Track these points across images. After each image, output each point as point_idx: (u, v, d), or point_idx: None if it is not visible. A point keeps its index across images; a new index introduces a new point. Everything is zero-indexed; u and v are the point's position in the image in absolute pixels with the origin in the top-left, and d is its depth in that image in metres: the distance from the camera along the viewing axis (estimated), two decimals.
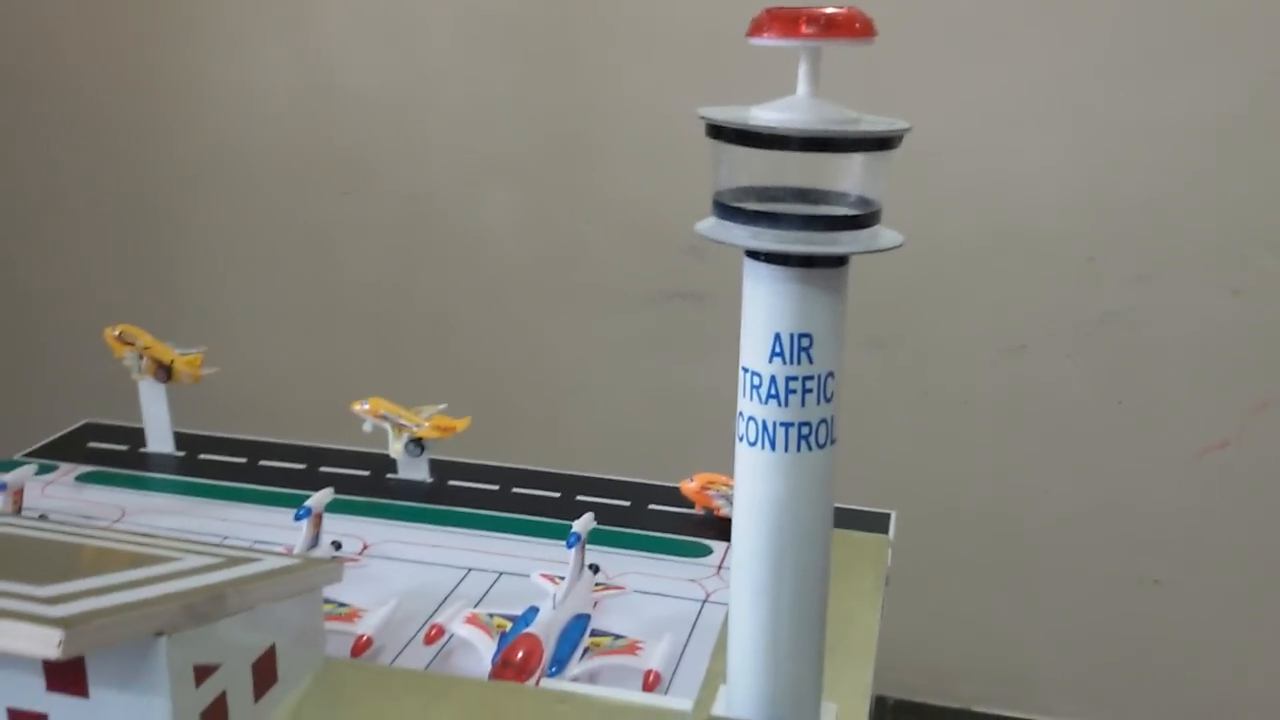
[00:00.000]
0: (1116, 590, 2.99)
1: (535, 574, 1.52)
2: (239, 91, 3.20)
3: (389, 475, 1.98)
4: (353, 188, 3.19)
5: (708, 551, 1.67)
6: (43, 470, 1.86)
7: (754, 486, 1.05)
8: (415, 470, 2.00)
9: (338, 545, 1.60)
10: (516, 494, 1.89)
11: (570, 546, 1.46)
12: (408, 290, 3.24)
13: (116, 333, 2.06)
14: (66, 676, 0.97)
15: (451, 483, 1.90)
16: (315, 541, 1.51)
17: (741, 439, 1.05)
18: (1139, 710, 3.08)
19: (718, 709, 1.14)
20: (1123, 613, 3.00)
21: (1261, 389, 2.77)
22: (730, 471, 1.10)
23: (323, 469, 1.97)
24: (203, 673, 0.99)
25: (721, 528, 1.74)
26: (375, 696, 1.14)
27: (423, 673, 1.27)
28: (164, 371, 2.06)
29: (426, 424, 1.97)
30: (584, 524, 1.51)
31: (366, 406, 1.99)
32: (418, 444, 1.99)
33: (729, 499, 1.80)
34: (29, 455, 2.00)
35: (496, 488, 1.90)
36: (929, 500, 2.98)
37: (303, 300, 3.35)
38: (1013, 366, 2.88)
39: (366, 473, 1.99)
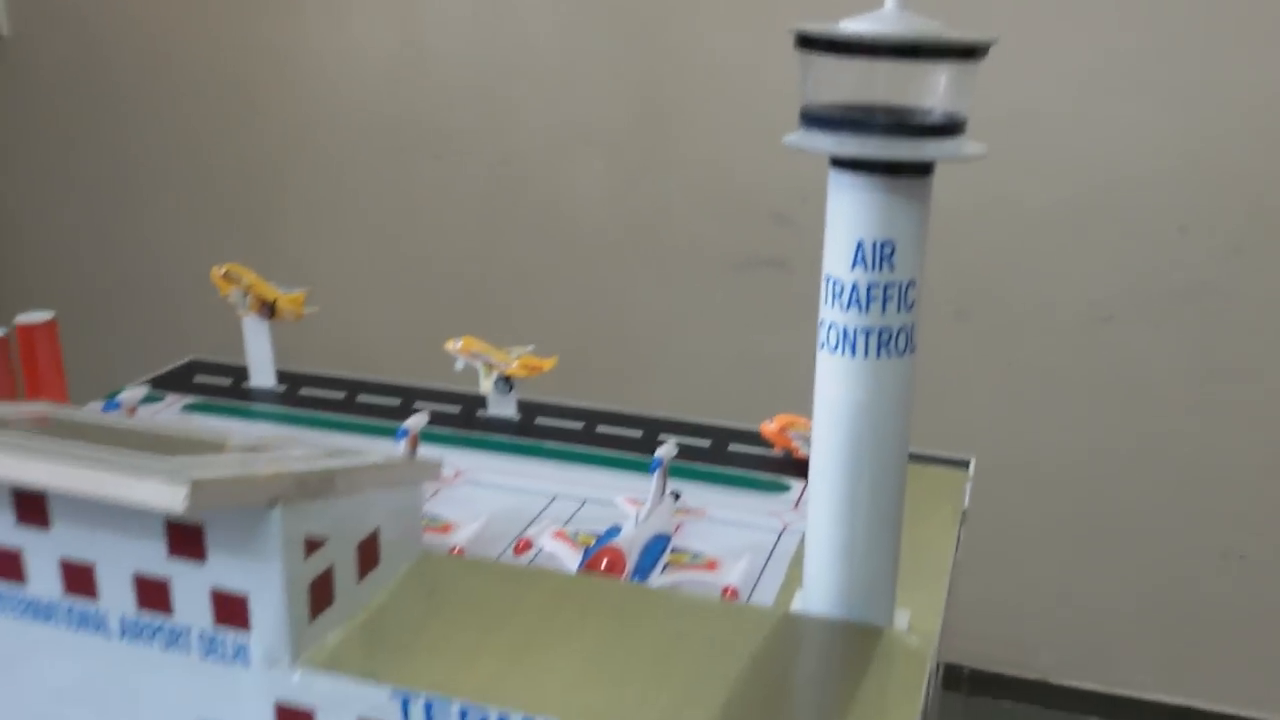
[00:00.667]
0: (1199, 563, 2.96)
1: (619, 498, 1.57)
2: (336, 57, 3.31)
3: (479, 412, 2.04)
4: (443, 152, 3.27)
5: (786, 488, 1.70)
6: (149, 400, 1.96)
7: (834, 391, 1.09)
8: (504, 408, 2.06)
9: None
10: (600, 433, 1.94)
11: (652, 471, 1.51)
12: (494, 253, 3.32)
13: (223, 271, 2.15)
14: (187, 543, 1.04)
15: (538, 420, 1.96)
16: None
17: (823, 346, 1.09)
18: (1220, 685, 3.05)
19: (795, 607, 1.18)
20: (1205, 586, 2.97)
21: None
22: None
23: (417, 404, 2.04)
24: (312, 545, 1.05)
25: (800, 468, 1.77)
26: (469, 584, 1.20)
27: (514, 565, 1.32)
28: (267, 309, 2.16)
29: (515, 362, 2.03)
30: (666, 450, 1.55)
31: (459, 345, 2.06)
32: (506, 382, 2.05)
33: (807, 440, 1.83)
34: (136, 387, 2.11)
35: (581, 425, 1.95)
36: (1011, 469, 2.98)
37: (392, 261, 3.45)
38: (1100, 337, 2.86)
39: (457, 409, 2.06)
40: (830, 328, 1.08)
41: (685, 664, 1.06)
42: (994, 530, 3.06)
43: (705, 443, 1.88)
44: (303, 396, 2.09)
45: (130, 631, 1.10)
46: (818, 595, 1.15)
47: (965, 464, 1.79)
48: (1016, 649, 3.32)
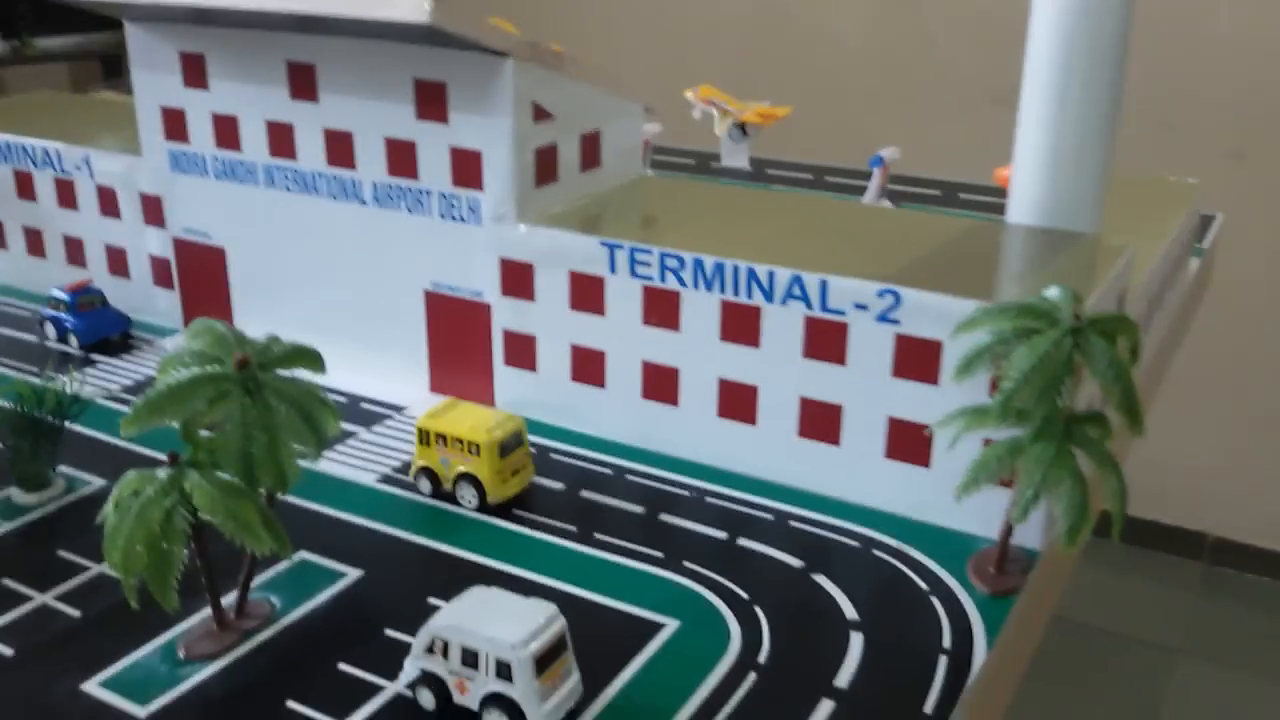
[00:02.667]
0: None
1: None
2: None
3: (712, 164, 2.10)
4: None
5: None
6: None
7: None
8: (737, 158, 2.11)
9: None
10: (829, 180, 1.97)
11: (872, 166, 1.53)
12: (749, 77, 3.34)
13: None
14: (432, 103, 1.15)
15: (769, 170, 2.00)
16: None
17: None
18: None
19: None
20: None
21: None
22: None
23: (656, 158, 2.12)
24: (540, 114, 1.14)
25: None
26: (687, 194, 1.28)
27: (733, 187, 1.37)
28: None
29: (751, 110, 2.08)
30: (891, 152, 1.57)
31: (696, 92, 2.11)
32: (740, 129, 2.10)
33: None
34: None
35: (810, 177, 1.98)
36: None
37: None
38: None
39: (692, 161, 2.13)
40: None
41: (890, 248, 1.09)
42: (1259, 405, 2.93)
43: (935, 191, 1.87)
44: None
45: (381, 197, 1.22)
46: (1023, 208, 1.16)
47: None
48: (1268, 522, 3.18)
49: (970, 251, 1.11)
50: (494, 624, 0.77)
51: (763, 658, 0.85)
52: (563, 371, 1.18)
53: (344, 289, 1.29)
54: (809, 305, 1.02)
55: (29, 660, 0.85)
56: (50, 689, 0.82)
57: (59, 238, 1.52)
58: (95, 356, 1.37)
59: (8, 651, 0.86)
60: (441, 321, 1.24)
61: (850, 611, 0.91)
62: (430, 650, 0.78)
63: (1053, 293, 0.88)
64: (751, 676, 0.83)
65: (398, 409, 1.24)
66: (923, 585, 0.94)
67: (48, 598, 0.92)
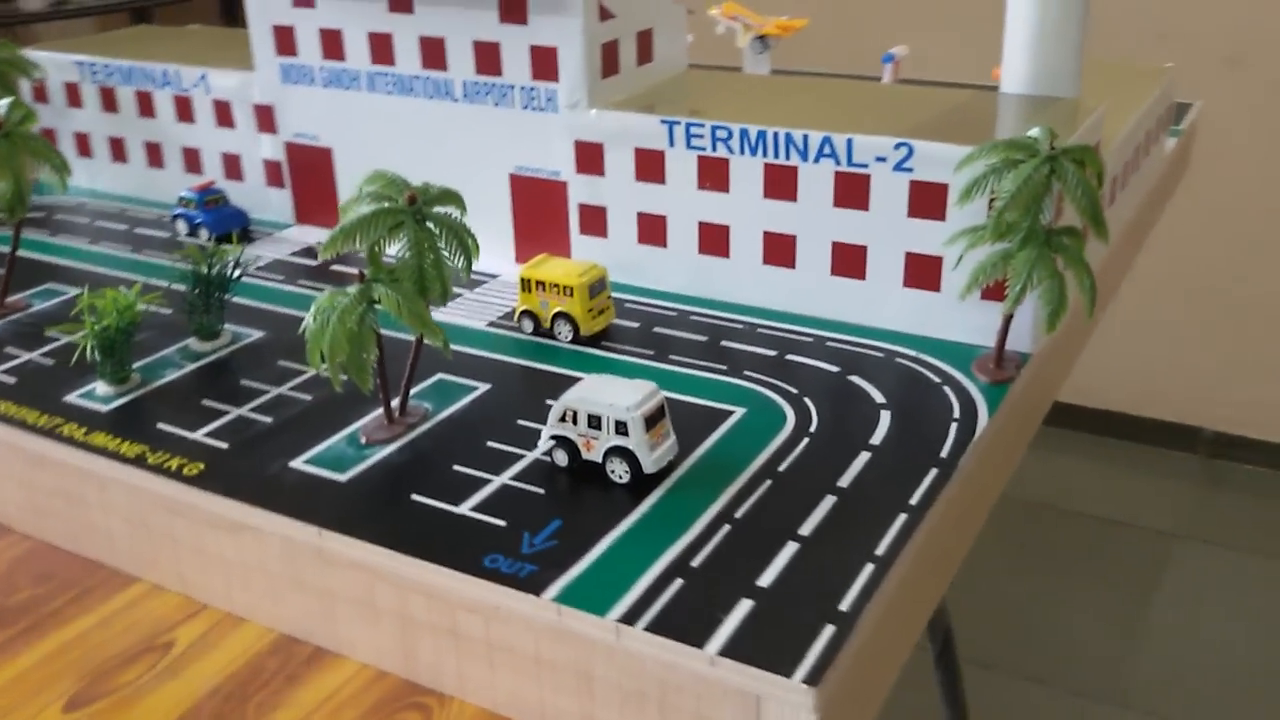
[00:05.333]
0: None
1: None
2: None
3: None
4: None
5: None
6: None
7: None
8: (758, 68, 2.32)
9: None
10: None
11: (885, 62, 1.75)
12: None
13: None
14: (513, 9, 1.37)
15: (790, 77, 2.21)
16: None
17: None
18: None
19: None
20: None
21: None
22: None
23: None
24: (604, 14, 1.36)
25: None
26: (731, 88, 1.50)
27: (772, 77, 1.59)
28: None
29: (771, 23, 2.29)
30: (901, 50, 1.78)
31: (720, 9, 2.32)
32: (762, 41, 2.31)
33: None
34: None
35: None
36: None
37: None
38: None
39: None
40: None
41: (900, 114, 1.31)
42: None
43: None
44: None
45: (470, 94, 1.45)
46: (1014, 79, 1.38)
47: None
48: (1261, 410, 3.38)
49: (969, 114, 1.34)
50: (611, 395, 1.01)
51: (812, 429, 1.09)
52: (630, 236, 1.41)
53: (438, 177, 1.51)
54: (837, 161, 1.25)
55: (242, 450, 1.09)
56: (265, 468, 1.06)
57: (178, 150, 1.75)
58: (226, 246, 1.60)
59: (223, 445, 1.10)
60: (524, 200, 1.47)
61: (879, 398, 1.15)
62: (563, 419, 1.02)
63: (1034, 131, 1.10)
64: (805, 440, 1.07)
65: (492, 276, 1.47)
66: (935, 379, 1.18)
67: (243, 410, 1.17)
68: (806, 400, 1.15)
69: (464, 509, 0.98)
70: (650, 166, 1.36)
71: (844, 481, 1.01)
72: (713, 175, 1.32)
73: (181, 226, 1.64)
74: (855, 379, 1.19)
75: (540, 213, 1.46)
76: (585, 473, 1.02)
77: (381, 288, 1.00)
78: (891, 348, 1.25)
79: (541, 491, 1.01)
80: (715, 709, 0.83)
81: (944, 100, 1.38)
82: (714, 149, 1.31)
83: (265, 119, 1.63)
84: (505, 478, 1.03)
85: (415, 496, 1.00)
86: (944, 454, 1.04)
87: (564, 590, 0.88)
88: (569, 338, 1.28)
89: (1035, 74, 1.37)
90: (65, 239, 1.66)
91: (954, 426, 1.08)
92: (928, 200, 1.21)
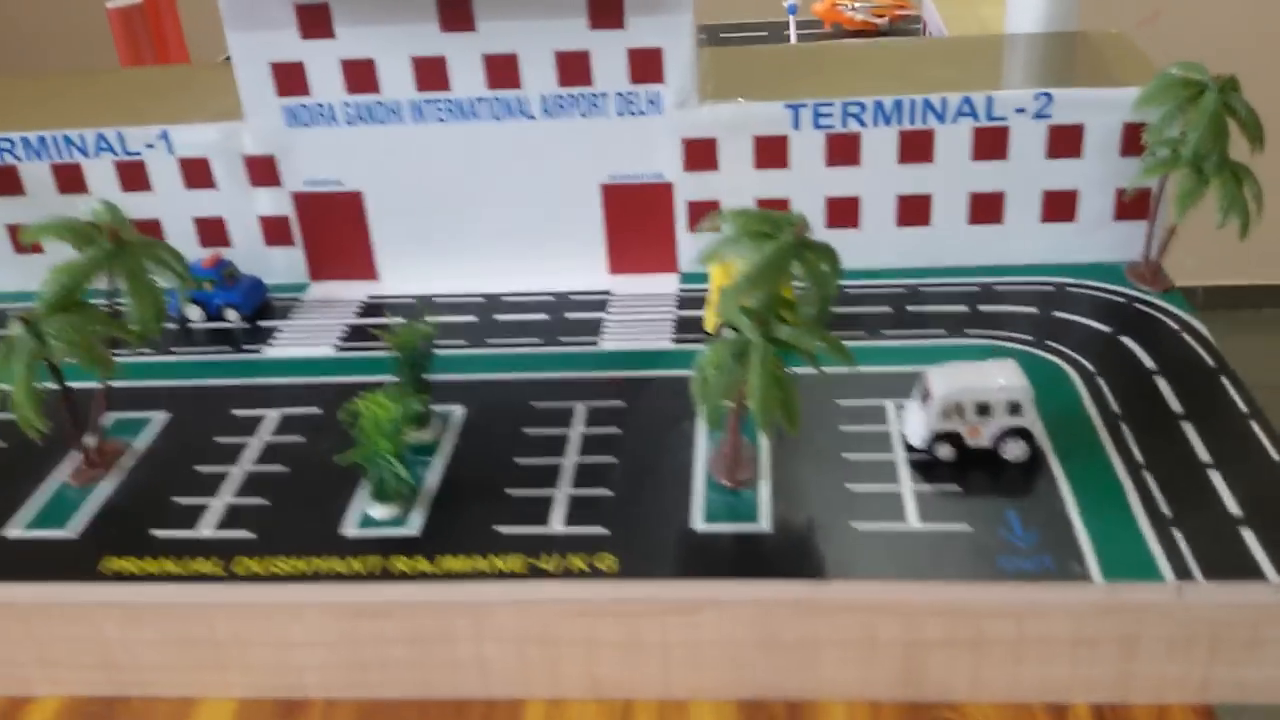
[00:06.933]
0: None
1: None
2: None
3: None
4: None
5: None
6: None
7: None
8: None
9: None
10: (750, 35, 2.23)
11: (790, 13, 1.83)
12: None
13: None
14: (606, 13, 1.30)
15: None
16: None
17: None
18: None
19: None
20: None
21: None
22: None
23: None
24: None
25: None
26: (780, 60, 1.52)
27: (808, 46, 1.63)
28: None
29: None
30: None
31: None
32: None
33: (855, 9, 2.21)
34: None
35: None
36: None
37: None
38: None
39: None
40: None
41: (985, 64, 1.41)
42: None
43: None
44: None
45: (551, 108, 1.36)
46: (1026, 17, 1.52)
47: None
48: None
49: (1038, 55, 1.47)
50: (991, 380, 1.06)
51: (1089, 367, 1.20)
52: None
53: (509, 201, 1.42)
54: (976, 118, 1.33)
55: (627, 524, 1.02)
56: (658, 534, 1.00)
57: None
58: (265, 323, 1.40)
59: (604, 530, 1.02)
60: (619, 208, 1.42)
61: (1105, 328, 1.27)
62: (946, 415, 1.05)
63: (1174, 69, 1.25)
64: (1099, 379, 1.18)
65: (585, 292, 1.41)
66: (1122, 300, 1.32)
67: (575, 490, 1.08)
68: (1049, 343, 1.25)
69: (911, 525, 1.00)
70: (772, 152, 1.37)
71: (1176, 407, 1.13)
72: (842, 151, 1.36)
73: (195, 312, 1.40)
74: (1059, 313, 1.30)
75: (639, 218, 1.42)
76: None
77: (787, 329, 0.96)
78: (1054, 279, 1.37)
79: (959, 489, 1.04)
80: (1274, 627, 0.93)
81: (997, 47, 1.50)
82: (844, 125, 1.35)
83: (262, 171, 1.43)
84: (915, 486, 1.05)
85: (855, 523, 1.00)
86: (1212, 360, 1.19)
87: (1103, 569, 0.94)
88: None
89: (1048, 15, 1.52)
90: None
91: (1184, 336, 1.24)
92: (1065, 142, 1.34)
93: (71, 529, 1.07)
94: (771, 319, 0.96)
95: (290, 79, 1.37)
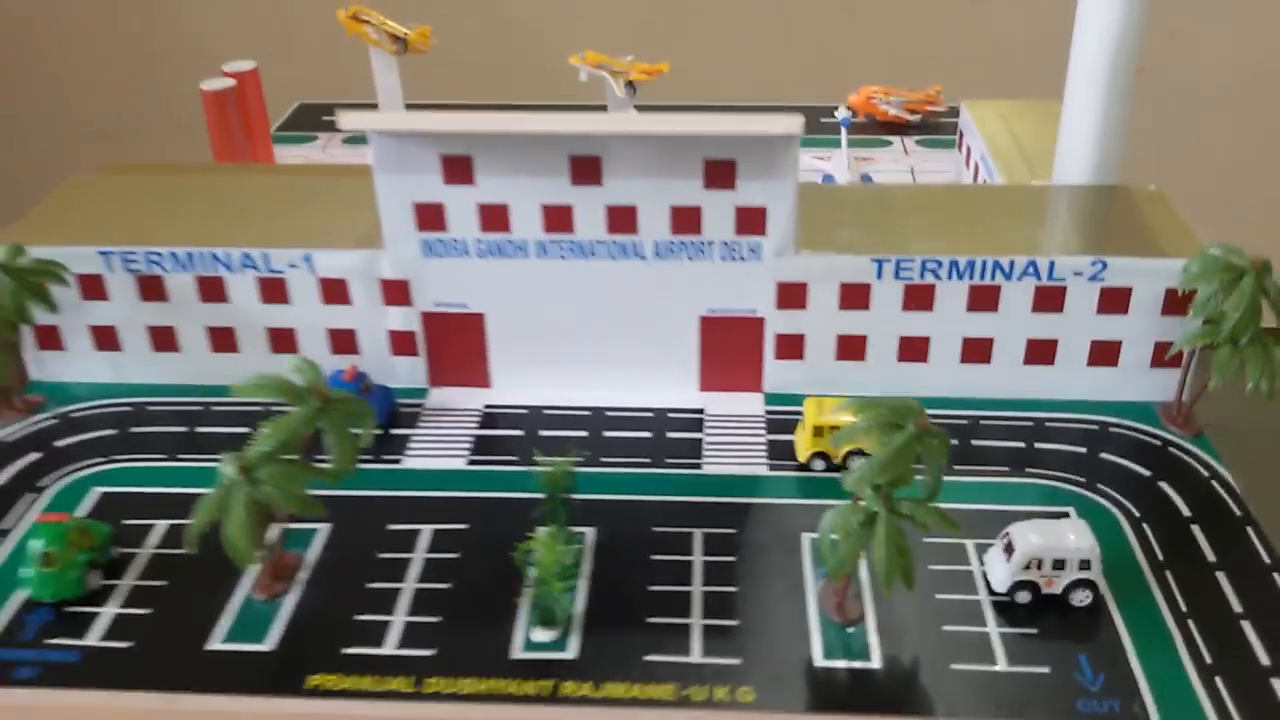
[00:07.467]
0: None
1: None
2: None
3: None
4: None
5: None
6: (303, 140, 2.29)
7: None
8: (623, 109, 2.48)
9: None
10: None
11: (844, 125, 2.00)
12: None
13: (350, 13, 2.41)
14: (720, 175, 1.47)
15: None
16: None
17: None
18: None
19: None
20: None
21: None
22: None
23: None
24: None
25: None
26: (840, 204, 1.69)
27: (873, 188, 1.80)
28: (400, 43, 2.44)
29: (634, 69, 2.44)
30: (844, 112, 2.04)
31: (583, 59, 2.44)
32: (631, 86, 2.46)
33: (890, 103, 2.39)
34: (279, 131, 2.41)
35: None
36: None
37: None
38: None
39: None
40: None
41: (1036, 221, 1.60)
42: None
43: None
44: None
45: (663, 252, 1.53)
46: (1072, 169, 1.71)
47: None
48: None
49: (1090, 215, 1.65)
50: (1066, 539, 1.25)
51: (1133, 511, 1.39)
52: (828, 355, 1.59)
53: (615, 327, 1.59)
54: (1038, 277, 1.52)
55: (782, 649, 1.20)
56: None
57: (258, 332, 1.63)
58: (397, 431, 1.56)
59: (733, 624, 1.20)
60: (714, 337, 1.60)
61: (1144, 471, 1.47)
62: (1027, 567, 1.24)
63: (1215, 250, 1.45)
64: (1143, 524, 1.38)
65: (697, 411, 1.59)
66: (1158, 443, 1.52)
67: (713, 622, 1.25)
68: (1100, 485, 1.44)
69: (1000, 667, 1.19)
70: (855, 297, 1.55)
71: (1211, 557, 1.33)
72: (918, 298, 1.54)
73: None
74: (1105, 454, 1.50)
75: (731, 345, 1.60)
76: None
77: (907, 503, 1.15)
78: (1097, 417, 1.56)
79: (1035, 631, 1.23)
80: None
81: (1038, 200, 1.69)
82: (921, 277, 1.53)
83: (396, 293, 1.59)
84: (1000, 629, 1.24)
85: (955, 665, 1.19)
86: (1239, 510, 1.39)
87: (1160, 713, 1.13)
88: None
89: (1095, 165, 1.71)
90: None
91: (1214, 485, 1.44)
92: (1114, 300, 1.53)
93: (268, 643, 1.23)
94: (893, 495, 1.14)
95: (430, 216, 1.53)
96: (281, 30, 3.55)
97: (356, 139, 2.41)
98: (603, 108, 2.46)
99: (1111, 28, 1.62)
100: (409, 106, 2.52)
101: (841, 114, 2.17)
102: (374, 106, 2.51)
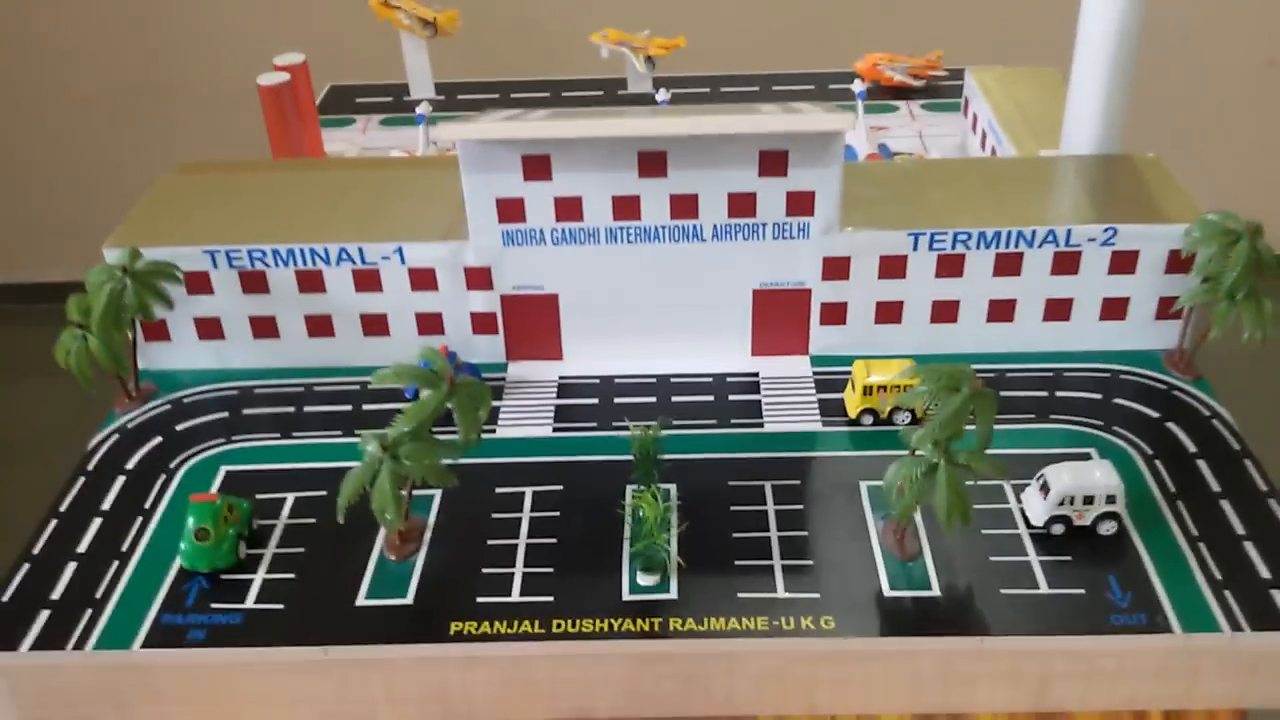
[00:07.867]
0: None
1: None
2: None
3: (619, 91, 2.62)
4: None
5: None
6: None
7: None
8: (642, 84, 2.64)
9: None
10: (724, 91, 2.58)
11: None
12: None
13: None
14: (774, 164, 1.65)
15: (672, 88, 2.53)
16: None
17: None
18: None
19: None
20: None
21: None
22: None
23: (565, 94, 2.60)
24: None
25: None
26: (876, 180, 1.87)
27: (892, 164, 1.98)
28: (430, 27, 2.58)
29: (652, 43, 2.59)
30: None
31: (605, 36, 2.59)
32: (650, 61, 2.62)
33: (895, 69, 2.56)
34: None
35: (708, 90, 2.57)
36: None
37: None
38: None
39: (601, 93, 2.64)
40: None
41: (1051, 190, 1.78)
42: None
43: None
44: (461, 102, 2.60)
45: (720, 234, 1.71)
46: (1078, 140, 1.89)
47: None
48: None
49: (1098, 183, 1.83)
50: (1094, 478, 1.45)
51: (1148, 449, 1.60)
52: (868, 320, 1.78)
53: (677, 302, 1.77)
54: (1057, 244, 1.71)
55: (839, 589, 1.40)
56: (856, 593, 1.39)
57: (351, 318, 1.80)
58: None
59: (809, 563, 1.40)
60: (765, 307, 1.78)
61: (1153, 412, 1.67)
62: (1061, 504, 1.44)
63: (1213, 216, 1.64)
64: (1156, 461, 1.58)
65: (753, 374, 1.78)
66: (1163, 387, 1.72)
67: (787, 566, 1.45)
68: (1115, 427, 1.64)
69: (1042, 590, 1.40)
70: (893, 267, 1.73)
71: (1215, 487, 1.53)
72: (949, 266, 1.73)
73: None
74: (1119, 400, 1.70)
75: (780, 315, 1.78)
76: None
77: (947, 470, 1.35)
78: (1109, 365, 1.76)
79: (1070, 558, 1.44)
80: None
81: (1049, 170, 1.87)
82: (953, 248, 1.72)
83: (479, 278, 1.76)
84: (1039, 557, 1.44)
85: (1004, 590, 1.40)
86: (1237, 445, 1.59)
87: (1180, 622, 1.34)
88: (907, 421, 1.66)
89: (1101, 136, 1.89)
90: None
91: (1214, 423, 1.64)
92: (1123, 262, 1.72)
93: (409, 597, 1.42)
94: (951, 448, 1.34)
95: (511, 209, 1.70)
96: (290, 12, 3.66)
97: (393, 120, 2.56)
98: (623, 81, 2.63)
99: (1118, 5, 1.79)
100: (437, 86, 2.68)
101: (858, 87, 2.34)
102: (403, 87, 2.67)
